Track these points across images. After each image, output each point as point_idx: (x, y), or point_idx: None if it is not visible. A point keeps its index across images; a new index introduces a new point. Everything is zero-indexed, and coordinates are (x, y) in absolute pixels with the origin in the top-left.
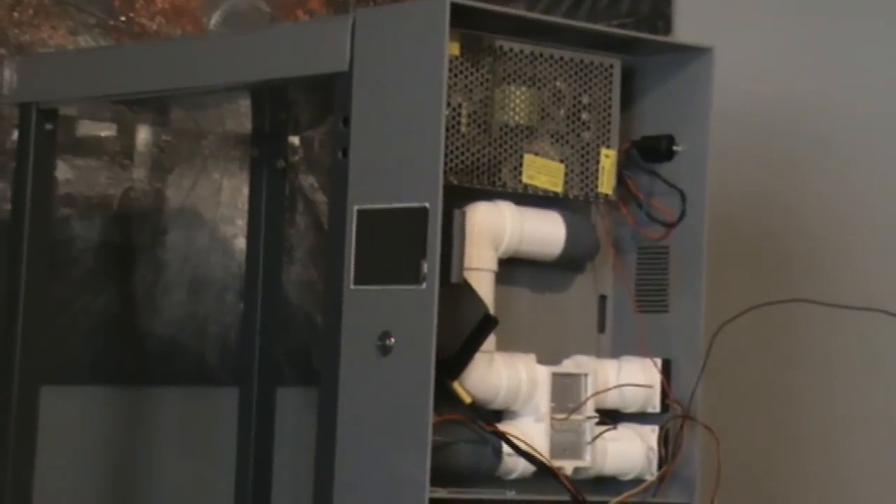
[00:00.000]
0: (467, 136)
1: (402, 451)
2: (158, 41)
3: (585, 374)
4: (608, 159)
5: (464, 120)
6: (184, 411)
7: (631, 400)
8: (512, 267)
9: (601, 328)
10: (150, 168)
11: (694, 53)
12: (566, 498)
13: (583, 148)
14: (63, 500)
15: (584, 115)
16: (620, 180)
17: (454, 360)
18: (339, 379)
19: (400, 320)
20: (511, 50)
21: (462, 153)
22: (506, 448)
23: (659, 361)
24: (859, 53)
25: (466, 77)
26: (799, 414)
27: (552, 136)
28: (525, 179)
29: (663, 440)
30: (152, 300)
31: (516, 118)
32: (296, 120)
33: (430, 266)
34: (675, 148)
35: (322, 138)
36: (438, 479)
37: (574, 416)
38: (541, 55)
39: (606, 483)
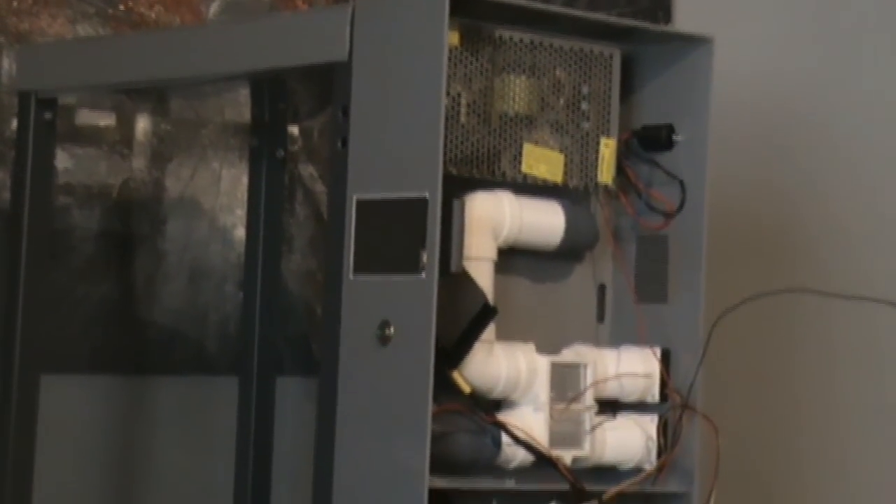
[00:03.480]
0: (467, 125)
1: (402, 440)
2: (157, 30)
3: (585, 364)
4: (608, 149)
5: (463, 109)
6: (183, 400)
7: (630, 389)
8: (511, 256)
9: (600, 318)
10: (150, 157)
11: (694, 43)
12: (565, 487)
13: (582, 137)
14: (63, 489)
15: (584, 105)
16: (620, 170)
17: (453, 349)
18: (339, 368)
19: (399, 310)
20: (511, 39)
21: (461, 143)
22: (505, 437)
23: (658, 351)
24: (859, 44)
25: (466, 66)
26: (798, 403)
27: (552, 126)
28: (524, 169)
29: (662, 430)
30: (152, 289)
31: (516, 108)
32: (295, 109)
33: (430, 256)
34: (674, 137)
35: (321, 128)
36: (438, 468)
37: (573, 406)
38: (540, 44)
39: (605, 472)
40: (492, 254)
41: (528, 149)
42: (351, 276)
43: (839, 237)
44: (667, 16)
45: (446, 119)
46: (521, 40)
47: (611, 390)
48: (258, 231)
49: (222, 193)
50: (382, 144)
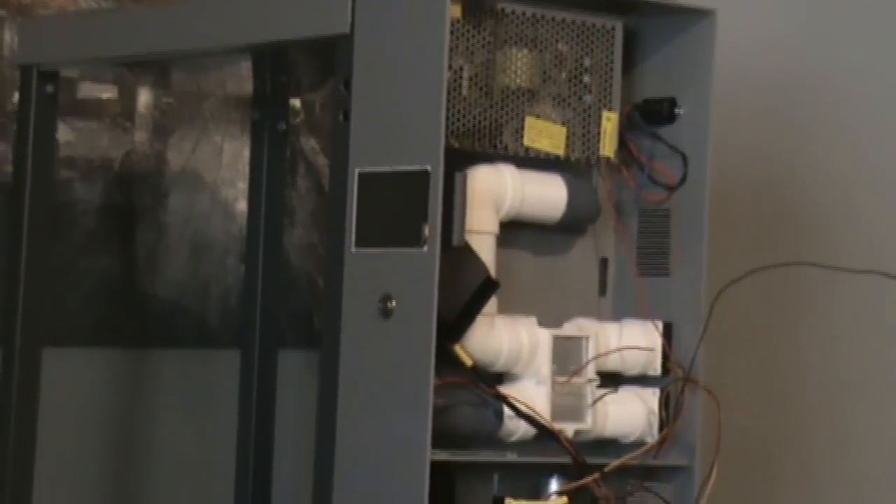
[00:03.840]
0: (469, 98)
1: (404, 413)
2: (159, 3)
3: (586, 337)
4: (610, 122)
5: (465, 83)
6: (185, 373)
7: (632, 363)
8: (513, 230)
9: (602, 291)
10: (152, 130)
11: (696, 16)
12: (567, 460)
13: (584, 111)
14: (64, 461)
15: (586, 78)
16: (622, 143)
17: (455, 323)
18: (341, 342)
19: (401, 283)
20: (513, 12)
21: (463, 116)
22: (507, 411)
23: (660, 324)
24: (863, 13)
25: (468, 40)
26: (800, 376)
27: (554, 99)
28: (526, 142)
29: (664, 403)
30: (154, 262)
31: (518, 81)
32: (297, 82)
33: (432, 229)
34: (676, 111)
35: (323, 101)
36: (439, 441)
37: (575, 379)
38: (542, 17)
39: (607, 445)
40: (493, 227)
41: (530, 122)
42: (353, 250)
43: (842, 210)
44: None
45: (448, 92)
46: (523, 13)
47: (612, 364)
48: (260, 204)
49: (224, 166)
50: (384, 117)
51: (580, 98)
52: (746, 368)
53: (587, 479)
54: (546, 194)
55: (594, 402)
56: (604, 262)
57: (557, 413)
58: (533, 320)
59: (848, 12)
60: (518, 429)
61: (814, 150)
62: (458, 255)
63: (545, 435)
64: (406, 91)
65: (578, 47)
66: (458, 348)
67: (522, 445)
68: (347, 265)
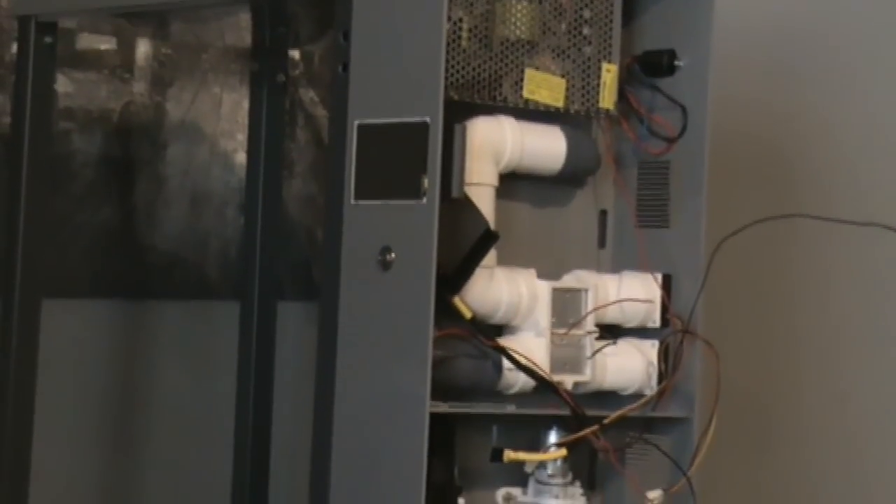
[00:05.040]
0: (468, 50)
1: (403, 365)
2: None
3: (586, 289)
4: (609, 74)
5: (464, 34)
6: (184, 325)
7: (631, 315)
8: (512, 182)
9: (602, 243)
10: (150, 82)
11: None
12: (566, 412)
13: (584, 62)
14: (63, 412)
15: (586, 30)
16: (621, 95)
17: (455, 274)
18: (340, 294)
19: (400, 235)
20: None
21: (463, 68)
22: (506, 363)
23: (659, 276)
24: None
25: None
26: (799, 329)
27: (553, 51)
28: (526, 94)
29: (663, 355)
30: (153, 214)
31: (517, 32)
32: (296, 34)
33: (431, 181)
34: (676, 63)
35: (322, 52)
36: (439, 393)
37: (574, 331)
38: None
39: (606, 397)
40: (493, 179)
41: (530, 74)
42: (352, 202)
43: (842, 162)
44: None
45: (447, 44)
46: None
47: (612, 316)
48: (259, 156)
49: (223, 118)
50: (383, 69)
51: (580, 50)
52: (745, 320)
53: (586, 431)
54: (545, 146)
55: (593, 354)
56: (603, 214)
57: (556, 365)
58: (532, 272)
59: None
60: (517, 381)
61: (814, 102)
62: (457, 207)
63: (544, 387)
64: (405, 42)
65: None
66: (457, 300)
67: (521, 397)
68: (347, 217)
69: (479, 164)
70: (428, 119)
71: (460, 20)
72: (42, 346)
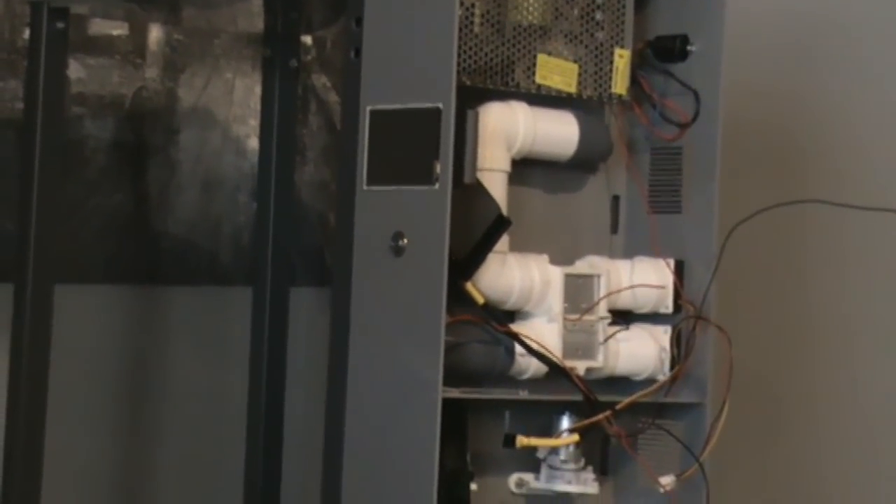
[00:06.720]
0: (480, 35)
1: (416, 351)
2: None
3: (598, 275)
4: (622, 59)
5: (477, 20)
6: (197, 310)
7: (643, 300)
8: (525, 167)
9: (614, 229)
10: (163, 67)
11: None
12: (578, 398)
13: (597, 48)
14: (76, 397)
15: (598, 15)
16: (634, 80)
17: (467, 260)
18: (352, 279)
19: (413, 221)
20: None
21: (475, 53)
22: (518, 348)
23: (672, 262)
24: None
25: None
26: (811, 314)
27: (566, 36)
28: (538, 80)
29: (675, 340)
30: (165, 199)
31: (530, 18)
32: (308, 19)
33: (443, 166)
34: (689, 48)
35: (335, 38)
36: (451, 378)
37: (586, 317)
38: None
39: (618, 383)
40: (505, 165)
41: (542, 59)
42: (364, 187)
43: (854, 148)
44: None
45: (460, 29)
46: None
47: (624, 301)
48: (271, 141)
49: (235, 104)
50: (396, 54)
51: (592, 35)
52: (758, 306)
53: (598, 417)
54: (558, 132)
55: (605, 339)
56: (615, 200)
57: (569, 351)
58: (545, 258)
59: None
60: (529, 366)
61: (827, 87)
62: (469, 192)
63: (557, 372)
64: (418, 28)
65: None
66: (469, 286)
67: (534, 383)
68: (359, 203)
69: (492, 150)
70: (440, 105)
71: (472, 5)
72: (54, 331)
